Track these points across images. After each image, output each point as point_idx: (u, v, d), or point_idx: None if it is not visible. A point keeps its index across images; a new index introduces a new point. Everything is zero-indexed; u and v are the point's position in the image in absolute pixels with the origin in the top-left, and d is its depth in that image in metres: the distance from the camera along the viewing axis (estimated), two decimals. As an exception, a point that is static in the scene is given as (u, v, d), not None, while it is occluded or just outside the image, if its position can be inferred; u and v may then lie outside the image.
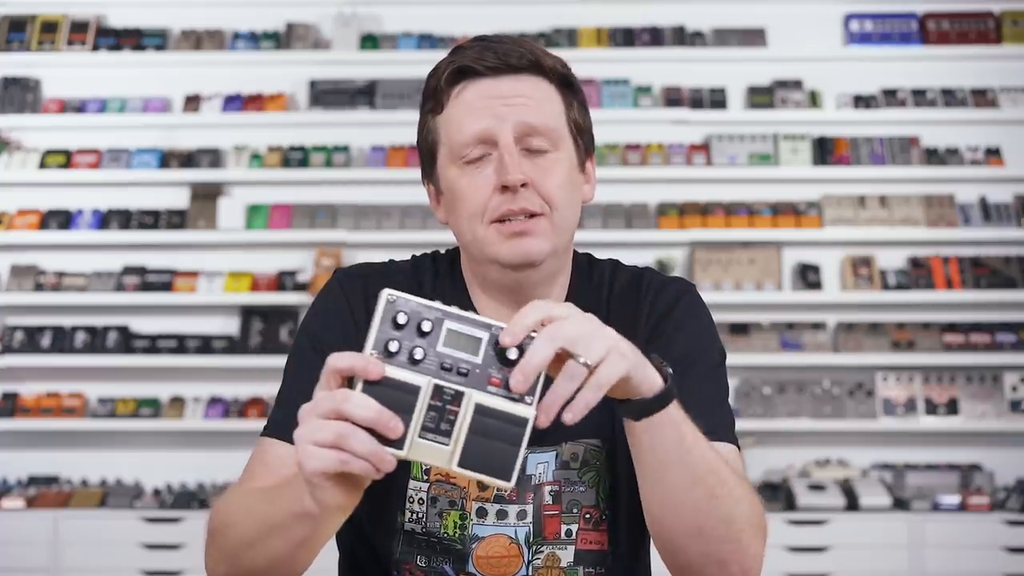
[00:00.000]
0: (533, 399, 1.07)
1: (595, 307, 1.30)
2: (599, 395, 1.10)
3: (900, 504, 4.44)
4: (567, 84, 1.44)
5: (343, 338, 1.42)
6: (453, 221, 1.44)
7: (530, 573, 1.42)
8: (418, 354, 1.06)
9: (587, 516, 1.44)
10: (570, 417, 1.09)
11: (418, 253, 1.55)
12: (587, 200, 1.47)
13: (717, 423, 1.37)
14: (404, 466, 1.40)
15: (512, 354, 1.07)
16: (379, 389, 1.05)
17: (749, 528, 1.27)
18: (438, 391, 1.06)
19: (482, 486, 1.41)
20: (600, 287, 1.50)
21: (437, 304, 1.08)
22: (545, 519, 1.42)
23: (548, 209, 1.38)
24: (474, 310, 1.38)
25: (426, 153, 1.46)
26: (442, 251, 1.55)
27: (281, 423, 1.39)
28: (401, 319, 1.07)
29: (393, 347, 1.06)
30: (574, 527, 1.43)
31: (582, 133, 1.45)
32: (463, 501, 1.42)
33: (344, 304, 1.46)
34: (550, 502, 1.42)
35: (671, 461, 1.22)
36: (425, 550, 1.42)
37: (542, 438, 1.38)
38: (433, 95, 1.43)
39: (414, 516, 1.42)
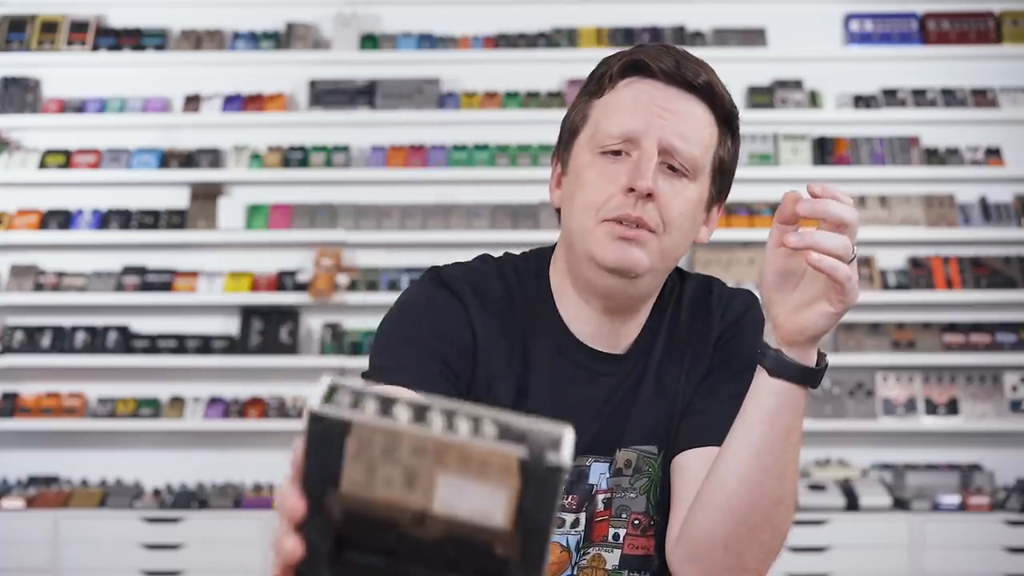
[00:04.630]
0: None
1: (665, 313, 1.43)
2: (840, 271, 1.14)
3: (900, 504, 4.44)
4: (728, 122, 1.44)
5: (460, 346, 1.39)
6: (566, 206, 1.41)
7: (575, 574, 1.43)
8: None
9: (635, 522, 1.44)
10: (796, 239, 1.15)
11: (496, 255, 1.50)
12: (700, 241, 1.45)
13: None
14: None
15: None
16: None
17: (783, 546, 1.30)
18: None
19: None
20: (670, 295, 1.49)
21: None
22: (595, 524, 1.43)
23: (662, 230, 1.36)
24: (559, 320, 1.43)
25: (567, 131, 1.44)
26: (520, 251, 1.52)
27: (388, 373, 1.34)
28: None
29: None
30: (622, 531, 1.43)
31: (723, 175, 1.44)
32: None
33: (463, 313, 1.41)
34: (601, 508, 1.43)
35: (778, 440, 1.23)
36: None
37: (599, 447, 1.41)
38: (599, 79, 1.41)
39: None
